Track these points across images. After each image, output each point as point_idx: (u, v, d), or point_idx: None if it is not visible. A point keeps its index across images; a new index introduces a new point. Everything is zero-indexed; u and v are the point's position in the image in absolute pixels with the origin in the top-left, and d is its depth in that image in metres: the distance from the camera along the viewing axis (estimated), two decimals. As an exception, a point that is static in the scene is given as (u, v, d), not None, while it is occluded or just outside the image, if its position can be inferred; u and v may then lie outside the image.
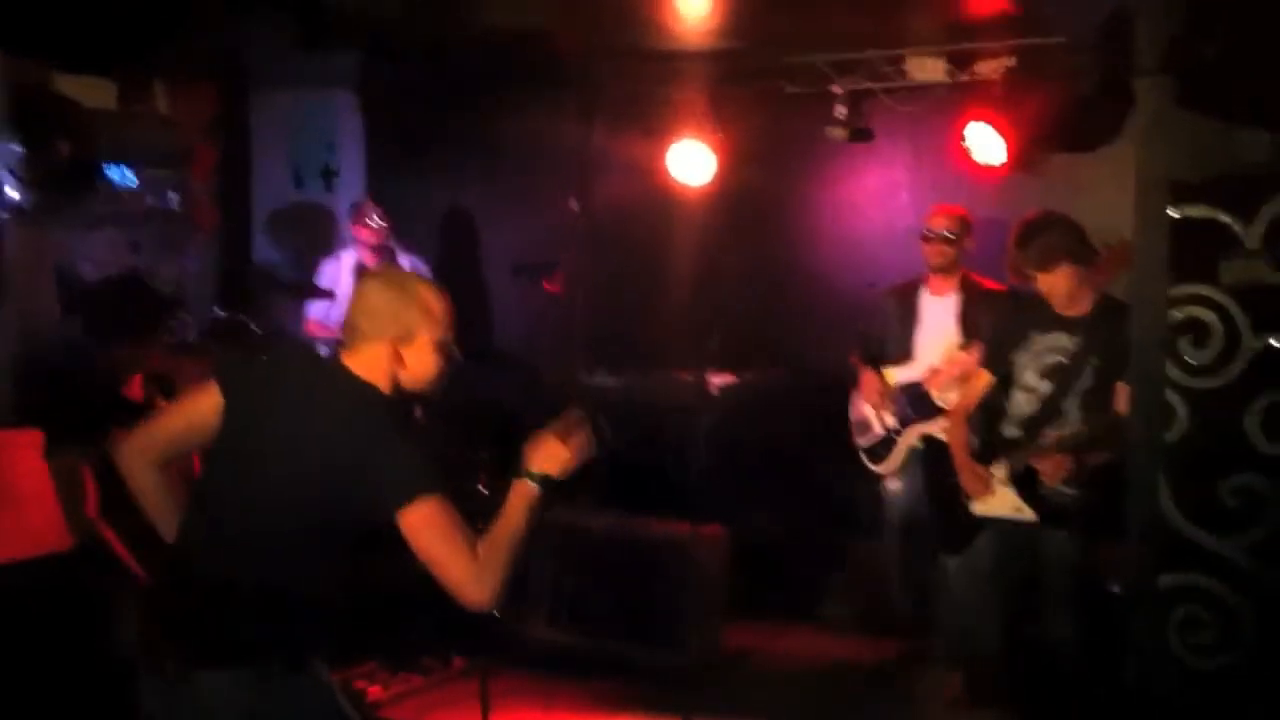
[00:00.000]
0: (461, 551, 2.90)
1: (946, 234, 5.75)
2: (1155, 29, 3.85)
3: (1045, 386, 4.83)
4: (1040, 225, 4.82)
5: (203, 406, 3.13)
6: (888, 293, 6.03)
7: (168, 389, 4.70)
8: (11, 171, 6.47)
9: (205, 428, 3.11)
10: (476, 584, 2.90)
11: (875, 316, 6.03)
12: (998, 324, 5.21)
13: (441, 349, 3.19)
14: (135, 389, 4.58)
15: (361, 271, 7.13)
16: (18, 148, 6.46)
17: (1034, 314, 4.90)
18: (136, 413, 4.57)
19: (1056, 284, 4.77)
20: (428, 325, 3.14)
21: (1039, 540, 4.84)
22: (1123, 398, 4.51)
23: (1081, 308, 4.80)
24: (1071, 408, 4.77)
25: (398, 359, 3.10)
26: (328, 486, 2.94)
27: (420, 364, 3.14)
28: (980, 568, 5.03)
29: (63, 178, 6.65)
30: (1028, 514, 4.80)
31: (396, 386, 3.13)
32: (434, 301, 3.19)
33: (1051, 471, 4.73)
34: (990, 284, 5.73)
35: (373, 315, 3.11)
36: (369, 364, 3.10)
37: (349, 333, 3.13)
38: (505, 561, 2.94)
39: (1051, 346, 4.83)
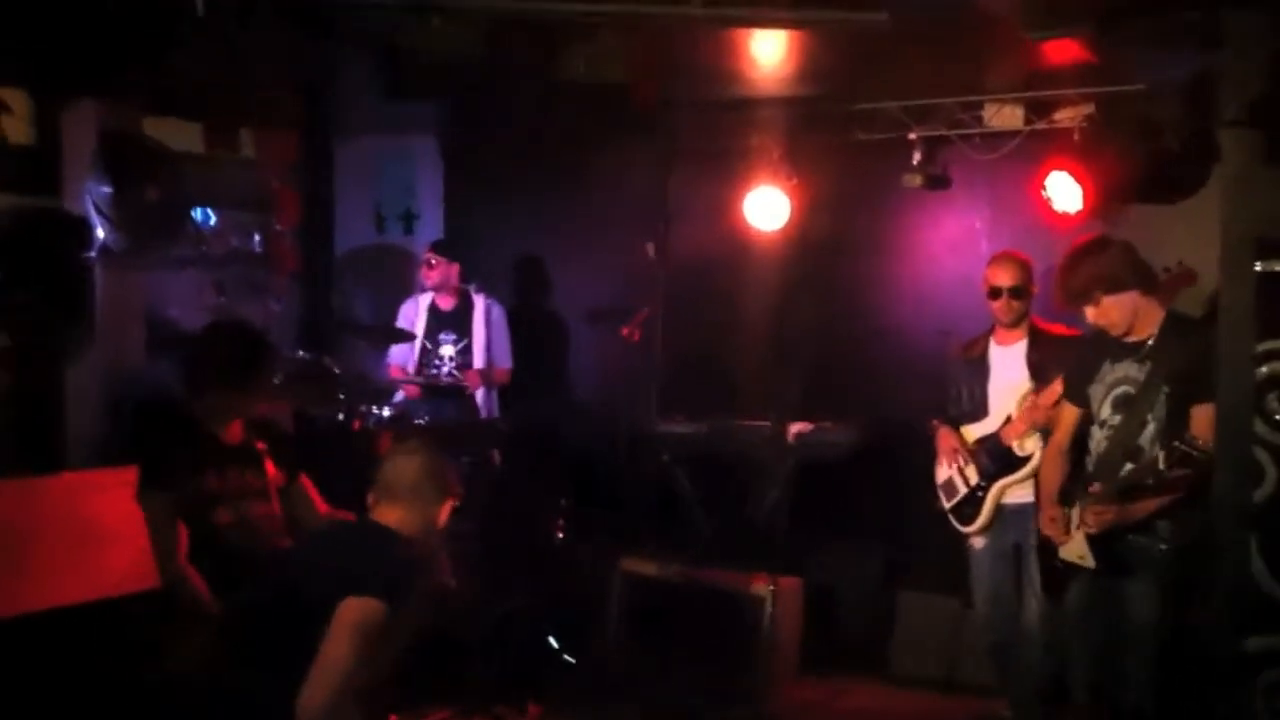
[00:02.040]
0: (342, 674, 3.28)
1: (1012, 288, 5.69)
2: (1241, 83, 3.84)
3: (1117, 420, 4.73)
4: (1086, 253, 4.73)
5: None
6: (959, 349, 5.95)
7: (264, 432, 4.76)
8: (101, 213, 6.61)
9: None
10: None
11: (949, 370, 5.97)
12: (1076, 357, 5.10)
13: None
14: (235, 433, 4.63)
15: (433, 310, 7.24)
16: (107, 189, 6.60)
17: (1105, 343, 4.80)
18: (232, 457, 4.62)
19: (1106, 315, 4.69)
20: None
21: (1121, 593, 4.74)
22: (1200, 421, 4.38)
23: (1146, 330, 4.69)
24: (1146, 441, 4.64)
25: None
26: None
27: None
28: (1067, 617, 4.95)
29: (150, 220, 6.78)
30: (1089, 561, 4.72)
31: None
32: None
33: (1092, 521, 4.64)
34: (1058, 329, 5.66)
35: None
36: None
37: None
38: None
39: (1121, 377, 4.73)
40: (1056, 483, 4.96)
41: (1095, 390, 4.81)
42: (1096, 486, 4.66)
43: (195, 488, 4.47)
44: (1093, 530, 4.64)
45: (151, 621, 4.59)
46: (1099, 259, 4.69)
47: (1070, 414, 4.98)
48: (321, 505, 4.86)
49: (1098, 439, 4.81)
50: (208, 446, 4.55)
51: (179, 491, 4.43)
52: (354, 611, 3.29)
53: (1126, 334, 4.72)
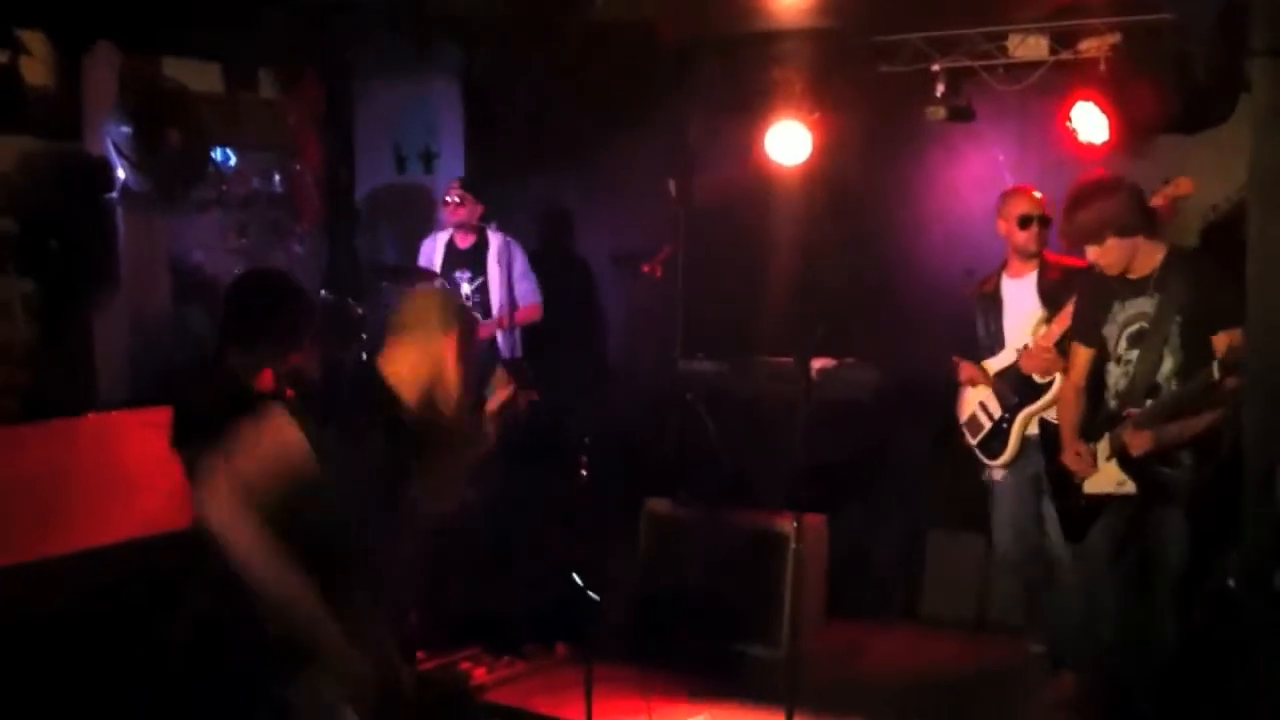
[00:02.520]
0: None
1: (1041, 216, 5.68)
2: (1271, 12, 3.78)
3: (1134, 356, 4.74)
4: (1089, 194, 4.72)
5: None
6: (972, 291, 5.95)
7: (294, 380, 4.73)
8: (122, 155, 6.61)
9: None
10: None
11: (967, 318, 5.95)
12: (1081, 299, 5.11)
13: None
14: (266, 381, 4.60)
15: (450, 248, 7.21)
16: (128, 131, 6.60)
17: (1111, 283, 4.80)
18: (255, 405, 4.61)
19: (1106, 254, 4.69)
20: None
21: (1153, 523, 4.75)
22: (1220, 345, 4.36)
23: (1148, 266, 4.70)
24: (1166, 372, 4.66)
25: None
26: None
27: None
28: (1097, 554, 4.95)
29: (171, 161, 6.78)
30: (1129, 486, 4.72)
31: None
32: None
33: (1136, 446, 4.65)
34: (1068, 260, 5.63)
35: None
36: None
37: None
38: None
39: (1134, 315, 4.74)
40: (1075, 421, 4.98)
41: (1110, 330, 4.83)
42: (1133, 411, 4.67)
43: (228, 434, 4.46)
44: (1136, 453, 4.64)
45: (183, 563, 4.64)
46: (1108, 202, 4.68)
47: (1083, 354, 4.98)
48: None
49: (1116, 375, 4.82)
50: (241, 396, 4.52)
51: (213, 442, 4.42)
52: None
53: (1125, 272, 4.72)
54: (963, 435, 5.91)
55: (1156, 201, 4.87)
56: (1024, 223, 5.69)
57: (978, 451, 5.84)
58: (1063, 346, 5.32)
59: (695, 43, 7.02)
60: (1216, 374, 4.35)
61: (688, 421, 6.82)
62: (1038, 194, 5.74)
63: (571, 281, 7.88)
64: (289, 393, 4.64)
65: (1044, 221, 5.68)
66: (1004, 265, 5.86)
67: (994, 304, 5.83)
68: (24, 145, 6.48)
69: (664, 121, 7.35)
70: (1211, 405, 4.52)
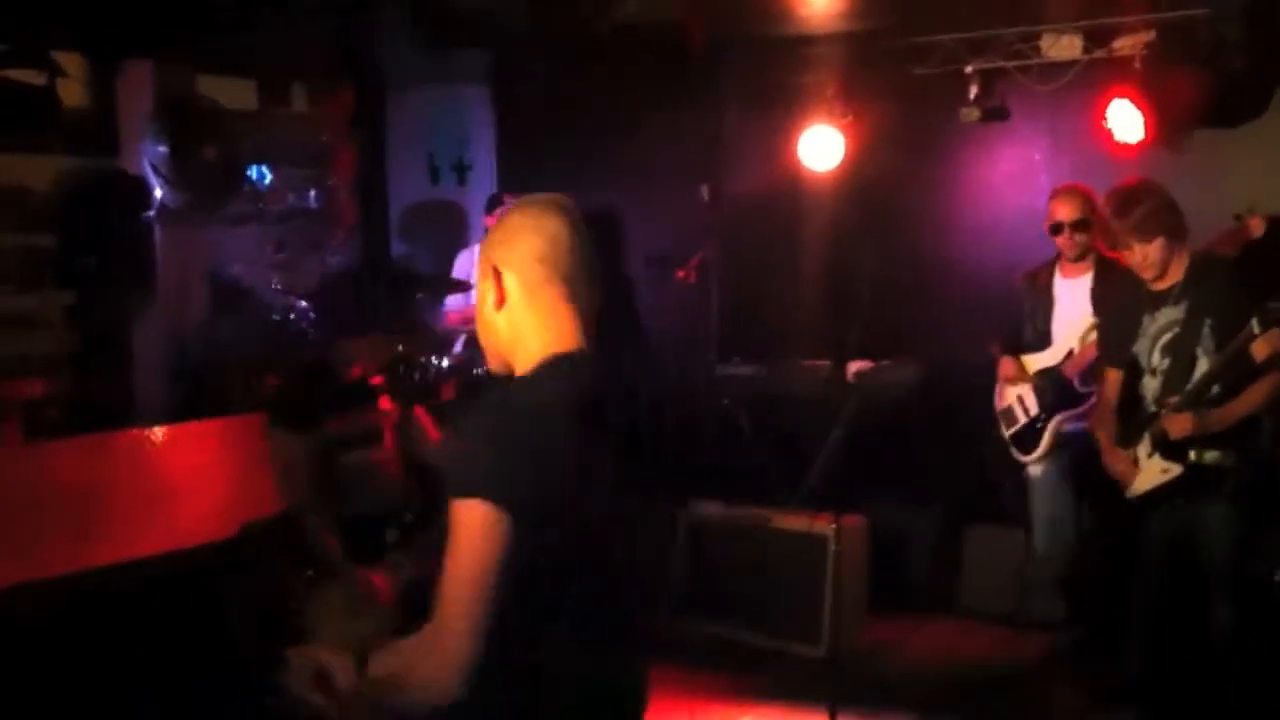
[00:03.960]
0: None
1: (1075, 221, 5.63)
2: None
3: (1167, 363, 4.71)
4: (1138, 194, 4.71)
5: None
6: (1022, 277, 5.92)
7: (379, 368, 4.77)
8: (159, 173, 6.68)
9: None
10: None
11: (1012, 303, 5.93)
12: (1107, 319, 5.11)
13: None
14: (355, 371, 4.66)
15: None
16: (164, 149, 6.66)
17: (1137, 301, 4.80)
18: (353, 396, 4.64)
19: (1150, 254, 4.66)
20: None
21: (1200, 514, 4.71)
22: (1260, 352, 4.39)
23: (1176, 275, 4.68)
24: (1201, 371, 4.61)
25: None
26: None
27: None
28: (1145, 552, 4.91)
29: (207, 178, 6.84)
30: (1174, 471, 4.68)
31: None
32: None
33: (1177, 428, 4.62)
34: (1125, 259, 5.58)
35: None
36: None
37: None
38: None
39: (1164, 324, 4.71)
40: (1112, 434, 4.95)
41: (1142, 345, 4.80)
42: (1173, 400, 4.64)
43: (321, 429, 4.50)
44: (1176, 436, 4.61)
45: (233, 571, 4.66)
46: (1155, 203, 4.67)
47: (1113, 375, 4.96)
48: (434, 433, 4.89)
49: (1152, 386, 4.79)
50: (331, 388, 4.58)
51: (305, 432, 4.45)
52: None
53: (1159, 280, 4.70)
54: (998, 425, 5.89)
55: (1223, 245, 4.86)
56: (1054, 230, 5.68)
57: (1010, 444, 5.83)
58: None
59: (727, 46, 7.01)
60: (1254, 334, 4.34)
61: (725, 424, 6.81)
62: (1070, 197, 5.69)
63: (607, 286, 7.87)
64: (375, 380, 4.67)
65: (1078, 226, 5.63)
66: (1057, 260, 5.82)
67: (1045, 299, 5.79)
68: (62, 164, 6.56)
69: (697, 126, 7.36)
70: (1247, 384, 4.50)
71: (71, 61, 6.35)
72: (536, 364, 2.39)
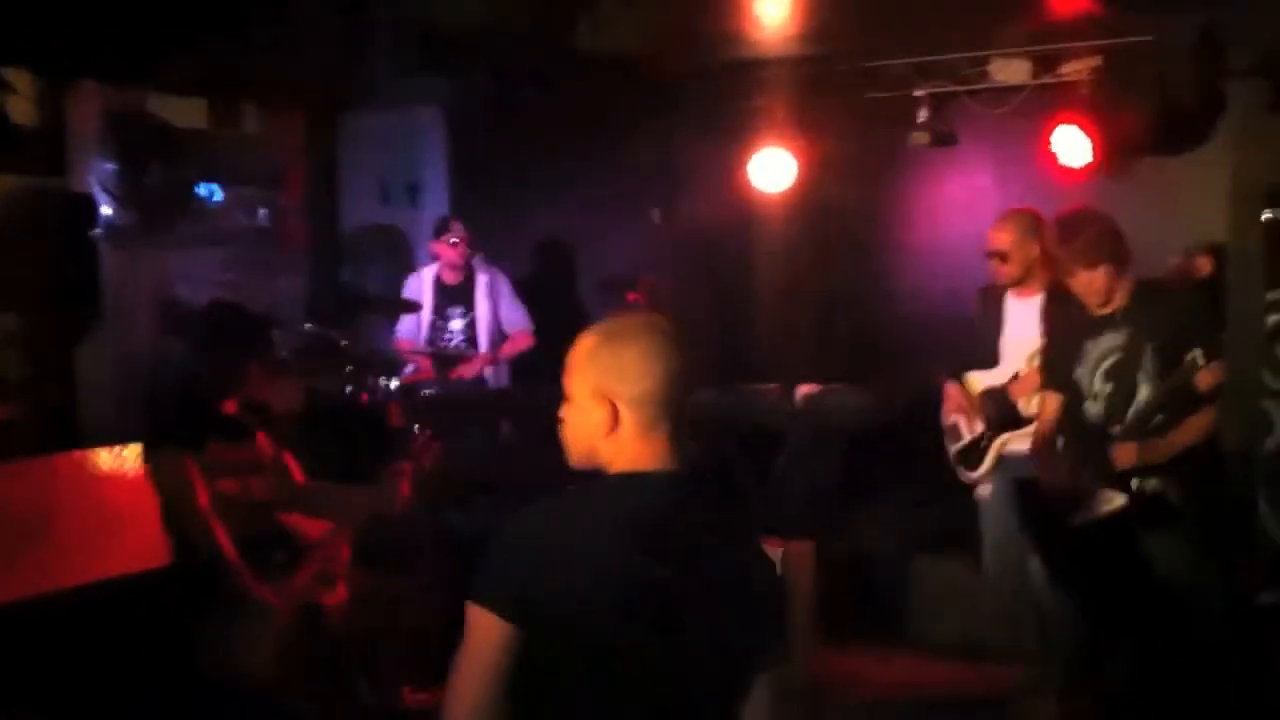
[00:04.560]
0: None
1: (999, 250, 5.63)
2: (1250, 34, 3.80)
3: (1109, 387, 4.76)
4: (1081, 221, 4.78)
5: None
6: (979, 291, 5.92)
7: (259, 407, 4.79)
8: (107, 191, 6.62)
9: None
10: None
11: (961, 326, 5.95)
12: (1050, 345, 5.17)
13: None
14: (232, 406, 4.68)
15: (438, 285, 7.20)
16: (112, 167, 6.61)
17: (1080, 325, 4.85)
18: (232, 429, 4.67)
19: (1095, 281, 4.71)
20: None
21: (1152, 542, 4.73)
22: (1205, 381, 4.41)
23: (1119, 301, 4.75)
24: (1143, 400, 4.67)
25: None
26: None
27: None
28: (1088, 578, 4.94)
29: (156, 197, 6.79)
30: (1118, 500, 4.71)
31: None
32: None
33: (1122, 458, 4.65)
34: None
35: None
36: None
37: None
38: None
39: (1106, 349, 4.77)
40: (1052, 465, 4.97)
41: (1082, 372, 4.85)
42: (1118, 428, 4.67)
43: (202, 455, 4.52)
44: (1122, 465, 4.64)
45: (172, 597, 4.63)
46: (1100, 229, 4.74)
47: (1054, 401, 5.00)
48: (299, 477, 4.89)
49: (1094, 412, 4.82)
50: (211, 418, 4.61)
51: (193, 454, 4.47)
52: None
53: (1103, 305, 4.76)
54: (945, 440, 5.92)
55: (1171, 282, 4.93)
56: (988, 256, 5.69)
57: (954, 460, 5.86)
58: None
59: (679, 71, 7.02)
60: (1197, 366, 4.37)
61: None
62: (1004, 224, 5.69)
63: (559, 310, 7.87)
64: (256, 418, 4.68)
65: (1003, 257, 5.62)
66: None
67: (995, 318, 5.79)
68: (8, 183, 6.49)
69: (648, 149, 7.35)
70: (1190, 412, 4.53)
71: (20, 78, 6.29)
72: (615, 475, 2.48)
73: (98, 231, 6.62)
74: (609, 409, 2.45)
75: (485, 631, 2.30)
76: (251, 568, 4.43)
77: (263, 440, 4.74)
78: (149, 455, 4.47)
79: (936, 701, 5.93)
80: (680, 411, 2.49)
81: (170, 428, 4.59)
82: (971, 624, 6.24)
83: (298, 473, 4.88)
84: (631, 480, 2.46)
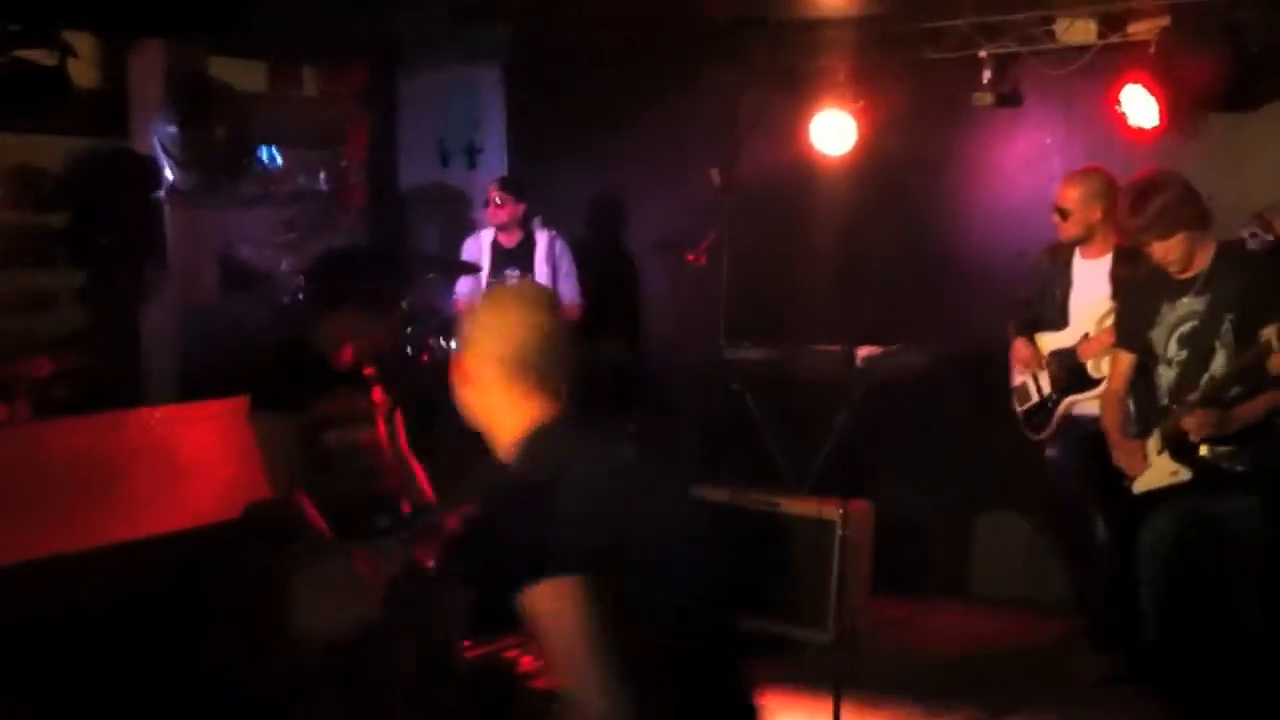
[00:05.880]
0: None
1: (1061, 207, 5.58)
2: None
3: (1184, 354, 4.66)
4: (1150, 189, 4.63)
5: None
6: (1043, 252, 5.85)
7: (373, 358, 4.69)
8: (169, 153, 6.68)
9: None
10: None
11: (1030, 279, 5.89)
12: (1125, 304, 5.05)
13: None
14: (346, 357, 4.57)
15: (496, 248, 7.21)
16: (174, 129, 6.66)
17: (1158, 287, 4.73)
18: (343, 380, 4.58)
19: (1171, 250, 4.60)
20: None
21: (1213, 517, 4.66)
22: (1276, 359, 4.31)
23: (1200, 265, 4.62)
24: (1218, 367, 4.57)
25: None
26: None
27: None
28: (1143, 546, 4.88)
29: (217, 159, 6.84)
30: (1183, 475, 4.64)
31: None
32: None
33: (1195, 426, 4.57)
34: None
35: None
36: None
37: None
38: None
39: (1183, 314, 4.65)
40: (1119, 423, 4.91)
41: (1158, 334, 4.74)
42: (1194, 395, 4.59)
43: (307, 410, 4.43)
44: (1195, 437, 4.57)
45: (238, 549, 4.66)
46: (1172, 195, 4.60)
47: (1125, 360, 4.91)
48: (404, 443, 4.83)
49: (1167, 376, 4.73)
50: (319, 370, 4.51)
51: (291, 414, 4.40)
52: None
53: (1183, 270, 4.65)
54: (1012, 400, 5.88)
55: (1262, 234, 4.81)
56: (1054, 212, 5.64)
57: (1020, 421, 5.82)
58: None
59: (740, 28, 6.98)
60: (1272, 348, 4.28)
61: (734, 408, 6.79)
62: (1073, 182, 5.63)
63: (617, 270, 7.87)
64: (367, 370, 4.62)
65: (1063, 214, 5.57)
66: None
67: (1064, 277, 5.71)
68: (72, 144, 6.57)
69: (708, 109, 7.32)
70: (1264, 387, 4.45)
71: (82, 41, 6.35)
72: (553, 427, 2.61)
73: (160, 192, 6.69)
74: (496, 369, 2.62)
75: (574, 602, 2.34)
76: (351, 528, 4.38)
77: (379, 394, 4.65)
78: (249, 409, 4.43)
79: (988, 651, 5.95)
80: (568, 365, 2.67)
81: (274, 376, 4.52)
82: (1032, 582, 6.24)
83: (403, 436, 4.81)
84: (562, 431, 2.61)
